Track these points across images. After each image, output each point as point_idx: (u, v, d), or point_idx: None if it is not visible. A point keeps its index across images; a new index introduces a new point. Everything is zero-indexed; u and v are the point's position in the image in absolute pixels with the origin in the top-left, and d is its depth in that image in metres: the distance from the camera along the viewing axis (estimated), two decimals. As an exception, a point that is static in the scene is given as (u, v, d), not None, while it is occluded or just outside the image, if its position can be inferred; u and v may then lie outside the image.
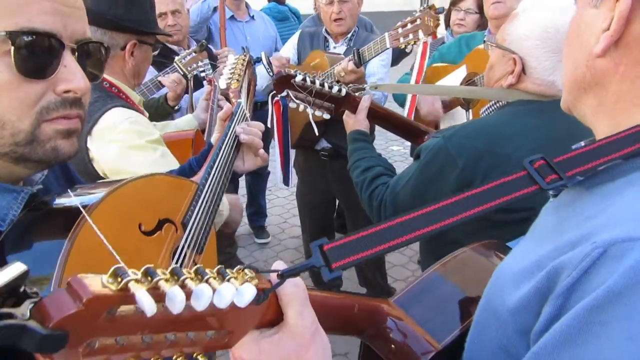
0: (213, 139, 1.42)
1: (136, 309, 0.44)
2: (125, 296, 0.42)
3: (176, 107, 2.61)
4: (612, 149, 0.67)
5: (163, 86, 2.49)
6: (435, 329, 0.84)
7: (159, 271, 0.45)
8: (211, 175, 1.15)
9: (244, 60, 1.72)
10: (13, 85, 0.71)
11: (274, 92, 1.90)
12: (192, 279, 0.47)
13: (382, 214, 1.62)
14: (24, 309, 0.40)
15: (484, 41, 1.61)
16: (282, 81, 1.77)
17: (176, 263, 0.90)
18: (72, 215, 0.73)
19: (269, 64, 2.11)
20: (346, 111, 1.91)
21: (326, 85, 1.80)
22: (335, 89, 1.81)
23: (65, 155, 0.78)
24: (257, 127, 1.40)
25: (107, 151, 1.44)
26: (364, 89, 1.99)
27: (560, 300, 0.60)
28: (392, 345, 0.81)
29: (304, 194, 3.39)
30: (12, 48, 0.69)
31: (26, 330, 0.38)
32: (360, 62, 2.52)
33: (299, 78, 1.76)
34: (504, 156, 1.38)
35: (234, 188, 3.74)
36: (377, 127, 2.48)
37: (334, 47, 3.01)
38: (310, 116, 1.95)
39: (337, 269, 0.60)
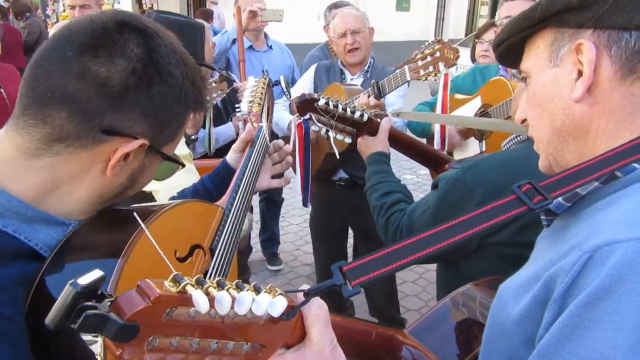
0: (229, 159, 1.44)
1: (188, 314, 0.52)
2: (184, 297, 0.51)
3: (193, 137, 2.64)
4: (589, 171, 0.76)
5: None
6: (448, 356, 0.89)
7: (207, 280, 0.53)
8: (236, 200, 1.17)
9: (264, 83, 1.72)
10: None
11: (297, 114, 1.92)
12: (234, 288, 0.54)
13: (397, 240, 1.62)
14: (105, 305, 0.49)
15: (512, 74, 1.65)
16: (306, 104, 1.79)
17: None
18: (119, 239, 0.77)
19: (287, 86, 2.15)
20: (363, 135, 1.91)
21: (348, 109, 1.81)
22: (358, 113, 1.83)
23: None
24: (286, 151, 1.49)
25: None
26: (386, 115, 2.00)
27: (557, 305, 0.68)
28: None
29: (317, 223, 3.40)
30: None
31: (108, 320, 0.47)
32: (381, 94, 2.55)
33: (322, 102, 1.78)
34: None
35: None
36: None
37: (351, 79, 3.05)
38: (332, 139, 1.96)
39: (356, 286, 0.68)
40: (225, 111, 3.13)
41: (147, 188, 1.02)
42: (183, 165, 0.99)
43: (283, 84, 2.14)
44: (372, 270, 0.70)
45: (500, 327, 0.79)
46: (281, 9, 3.43)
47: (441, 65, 2.36)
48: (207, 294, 0.52)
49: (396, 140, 1.93)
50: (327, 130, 1.85)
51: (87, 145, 0.81)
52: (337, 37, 2.94)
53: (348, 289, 0.67)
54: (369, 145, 1.89)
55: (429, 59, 2.41)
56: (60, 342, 0.70)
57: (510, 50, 0.94)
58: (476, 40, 3.43)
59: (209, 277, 0.95)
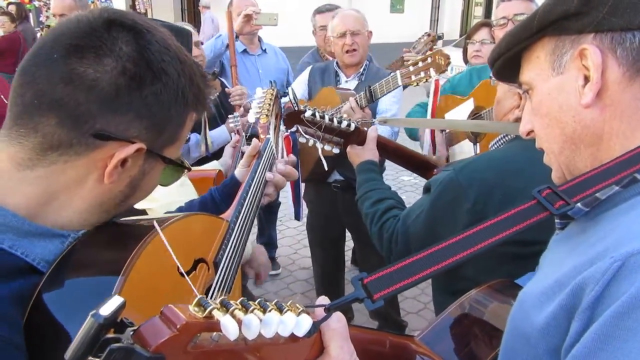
0: (238, 173, 1.42)
1: (211, 338, 0.49)
2: (211, 323, 0.48)
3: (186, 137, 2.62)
4: (608, 175, 0.75)
5: None
6: None
7: (232, 302, 0.51)
8: (241, 214, 1.15)
9: (272, 94, 1.69)
10: None
11: (283, 128, 1.88)
12: (258, 309, 0.52)
13: (393, 247, 1.62)
14: (127, 336, 0.46)
15: (490, 77, 1.66)
16: (292, 116, 1.77)
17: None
18: (124, 251, 0.75)
19: (295, 98, 2.14)
20: (351, 144, 1.91)
21: (335, 119, 1.81)
22: (344, 123, 1.83)
23: None
24: (292, 163, 1.45)
25: None
26: (372, 124, 2.01)
27: (587, 314, 0.65)
28: None
29: (314, 226, 3.40)
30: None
31: (134, 353, 0.44)
32: (372, 99, 2.55)
33: (308, 113, 1.77)
34: (517, 189, 1.40)
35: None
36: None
37: (345, 82, 3.05)
38: (320, 151, 1.95)
39: (379, 300, 0.66)
40: (218, 113, 3.12)
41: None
42: (189, 169, 0.95)
43: (291, 95, 2.13)
44: (394, 282, 0.68)
45: (523, 335, 0.77)
46: (276, 13, 3.41)
47: (432, 71, 2.37)
48: (233, 316, 0.49)
49: (384, 147, 1.94)
50: (315, 142, 1.84)
51: (81, 152, 0.77)
52: (336, 37, 2.94)
53: (371, 303, 0.65)
54: (358, 155, 1.90)
55: (420, 64, 2.42)
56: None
57: (507, 64, 0.93)
58: (467, 41, 3.43)
59: (212, 292, 0.94)
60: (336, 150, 1.91)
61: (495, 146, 1.71)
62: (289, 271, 4.43)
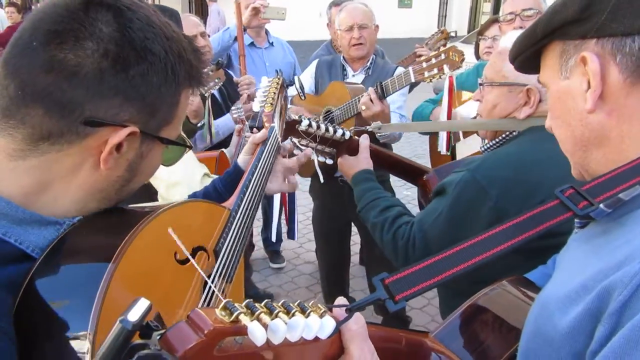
0: (240, 161, 1.40)
1: (235, 341, 0.48)
2: (238, 328, 0.47)
3: (199, 124, 2.60)
4: (632, 175, 0.74)
5: None
6: None
7: (257, 305, 0.50)
8: (244, 202, 1.14)
9: (277, 83, 1.66)
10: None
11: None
12: (283, 311, 0.51)
13: (410, 253, 1.57)
14: (154, 341, 0.45)
15: (480, 84, 1.61)
16: (287, 128, 1.69)
17: (207, 293, 0.90)
18: (115, 239, 0.74)
19: (302, 88, 2.09)
20: (343, 155, 1.84)
21: (331, 129, 1.75)
22: (340, 132, 1.76)
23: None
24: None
25: None
26: (367, 131, 1.94)
27: (614, 318, 0.64)
28: None
29: (320, 220, 3.38)
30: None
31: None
32: (384, 95, 2.51)
33: (304, 124, 1.69)
34: (535, 183, 1.39)
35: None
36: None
37: (352, 76, 3.03)
38: (316, 162, 1.88)
39: (401, 301, 0.65)
40: (225, 103, 3.11)
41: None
42: (190, 147, 0.93)
43: (297, 85, 2.10)
44: (417, 283, 0.67)
45: (545, 338, 0.76)
46: (284, 7, 3.40)
47: (446, 68, 2.33)
48: (259, 320, 0.49)
49: (376, 155, 1.88)
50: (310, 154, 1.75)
51: (73, 140, 0.75)
52: (343, 30, 2.92)
53: (392, 304, 0.65)
54: (351, 166, 1.84)
55: (433, 60, 2.37)
56: (48, 350, 0.67)
57: (527, 63, 0.93)
58: (479, 37, 3.41)
59: (212, 281, 0.93)
60: (329, 161, 1.85)
61: (495, 147, 1.66)
62: (294, 265, 4.44)
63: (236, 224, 1.07)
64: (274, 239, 2.38)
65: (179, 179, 1.81)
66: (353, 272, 3.75)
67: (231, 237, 1.03)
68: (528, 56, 0.91)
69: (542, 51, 0.88)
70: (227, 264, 0.99)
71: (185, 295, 0.84)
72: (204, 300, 0.90)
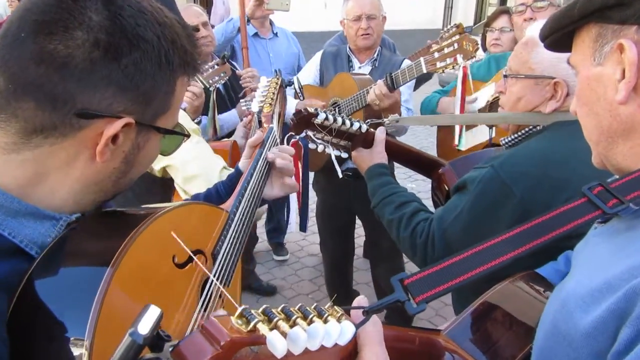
0: (241, 165, 1.39)
1: (250, 350, 0.45)
2: (256, 338, 0.44)
3: (196, 121, 2.59)
4: None
5: None
6: None
7: (274, 311, 0.47)
8: (242, 204, 1.12)
9: (276, 83, 1.63)
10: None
11: (291, 133, 1.72)
12: (301, 317, 0.48)
13: (430, 251, 1.52)
14: (166, 354, 0.43)
15: (504, 75, 1.56)
16: (302, 121, 1.64)
17: (205, 296, 0.88)
18: (114, 240, 0.73)
19: (301, 88, 2.06)
20: (357, 147, 1.80)
21: (347, 122, 1.70)
22: (356, 125, 1.71)
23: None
24: (289, 151, 1.36)
25: None
26: (381, 124, 1.88)
27: None
28: None
29: (324, 214, 3.35)
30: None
31: None
32: (394, 86, 2.45)
33: (320, 117, 1.63)
34: (563, 180, 1.35)
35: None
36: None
37: (359, 68, 2.99)
38: (333, 157, 1.82)
39: (421, 303, 0.62)
40: (229, 97, 3.08)
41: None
42: (187, 136, 0.91)
43: (296, 85, 2.07)
44: (438, 284, 0.64)
45: (564, 337, 0.73)
46: (288, -2, 3.36)
47: (459, 58, 2.25)
48: (277, 328, 0.46)
49: (391, 149, 1.83)
50: (325, 147, 1.72)
51: (67, 133, 0.73)
52: (351, 20, 2.87)
53: (412, 306, 0.62)
54: (365, 159, 1.79)
55: (446, 50, 2.29)
56: (44, 355, 0.65)
57: (558, 42, 0.88)
58: (486, 28, 3.37)
59: (210, 285, 0.91)
60: (345, 155, 1.81)
61: (515, 141, 1.61)
62: (297, 257, 4.43)
63: (234, 226, 1.05)
64: (293, 229, 2.40)
65: (196, 172, 1.79)
66: (357, 265, 3.74)
67: (229, 239, 1.01)
68: (560, 36, 0.86)
69: (575, 32, 0.83)
70: (225, 266, 0.98)
71: (183, 298, 0.83)
72: (202, 304, 0.88)
